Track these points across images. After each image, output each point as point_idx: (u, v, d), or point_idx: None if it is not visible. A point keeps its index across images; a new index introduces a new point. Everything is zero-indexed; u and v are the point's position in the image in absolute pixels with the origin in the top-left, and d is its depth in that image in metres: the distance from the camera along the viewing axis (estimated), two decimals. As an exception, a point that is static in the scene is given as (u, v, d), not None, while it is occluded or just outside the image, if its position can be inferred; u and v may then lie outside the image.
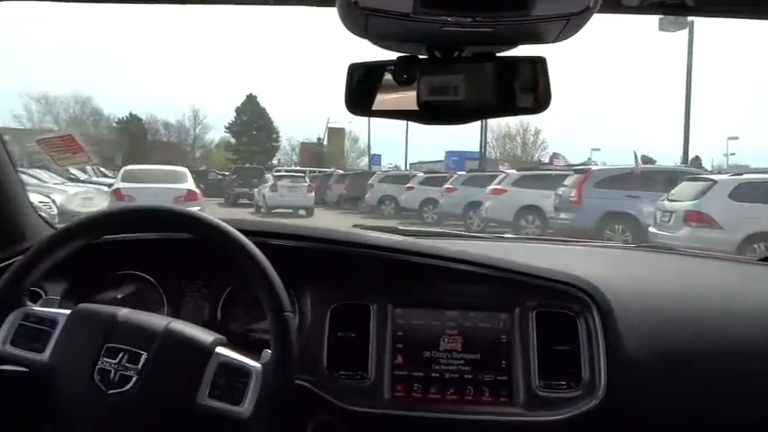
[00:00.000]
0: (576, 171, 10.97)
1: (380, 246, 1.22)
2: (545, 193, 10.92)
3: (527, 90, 0.93)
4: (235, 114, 39.34)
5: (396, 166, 28.76)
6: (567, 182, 10.45)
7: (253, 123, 39.08)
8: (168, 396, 0.88)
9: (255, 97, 39.42)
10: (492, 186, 12.30)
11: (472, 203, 12.94)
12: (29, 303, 0.96)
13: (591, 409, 1.08)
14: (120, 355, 0.88)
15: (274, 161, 36.95)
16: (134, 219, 1.01)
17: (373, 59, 0.94)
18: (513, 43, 0.88)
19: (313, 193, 17.16)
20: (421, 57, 0.91)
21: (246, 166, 26.17)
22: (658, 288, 1.29)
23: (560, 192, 10.33)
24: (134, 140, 34.61)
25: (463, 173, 16.62)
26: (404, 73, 0.92)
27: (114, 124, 36.50)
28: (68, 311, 0.94)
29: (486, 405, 1.13)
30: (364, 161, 34.92)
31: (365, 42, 0.89)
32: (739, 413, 1.15)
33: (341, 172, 22.85)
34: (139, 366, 0.87)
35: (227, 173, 25.22)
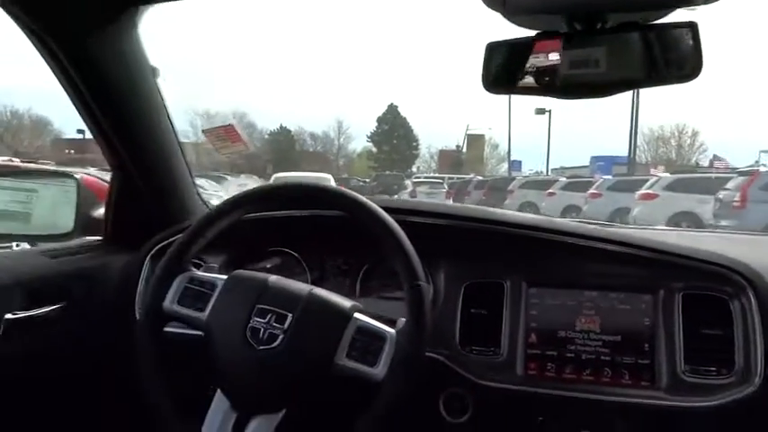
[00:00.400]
0: (741, 173, 9.99)
1: (517, 223, 1.22)
2: (702, 198, 10.05)
3: (676, 58, 0.88)
4: (376, 124, 40.66)
5: (537, 172, 27.97)
6: (729, 185, 9.52)
7: (393, 132, 40.10)
8: (310, 354, 0.95)
9: (396, 107, 40.51)
10: (642, 191, 11.54)
11: (619, 210, 12.20)
12: (192, 269, 1.08)
13: (746, 397, 1.02)
14: (269, 316, 0.97)
15: (414, 168, 37.65)
16: (284, 194, 1.10)
17: (511, 37, 0.95)
18: (662, 8, 0.85)
19: (451, 200, 17.23)
20: (561, 31, 0.90)
21: (387, 174, 27.01)
22: None
23: (721, 196, 9.44)
24: (283, 151, 37.03)
25: (609, 177, 15.78)
26: (545, 48, 0.92)
27: (266, 136, 39.19)
28: (226, 276, 1.05)
29: (625, 387, 1.10)
30: (504, 168, 34.35)
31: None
32: None
33: (480, 178, 22.68)
34: (285, 326, 0.96)
35: (368, 180, 26.08)
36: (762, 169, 10.45)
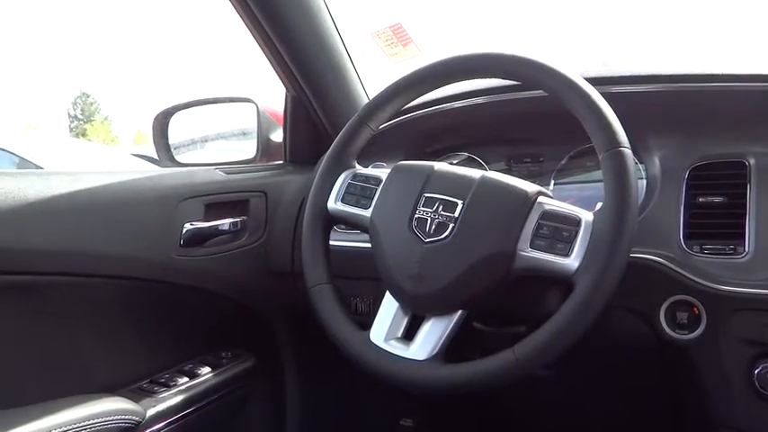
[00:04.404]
0: None
1: (761, 75, 0.91)
2: None
3: None
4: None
5: None
6: None
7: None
8: (486, 245, 0.79)
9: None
10: None
11: None
12: (357, 166, 0.98)
13: None
14: (437, 204, 0.84)
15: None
16: (452, 68, 0.93)
17: None
18: None
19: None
20: None
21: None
22: None
23: None
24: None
25: None
26: None
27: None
28: (390, 169, 0.94)
29: None
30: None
31: None
32: None
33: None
34: (456, 215, 0.82)
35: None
36: None
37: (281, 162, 1.42)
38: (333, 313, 0.89)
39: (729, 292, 0.86)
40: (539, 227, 0.78)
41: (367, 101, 1.38)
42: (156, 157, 1.54)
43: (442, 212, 0.83)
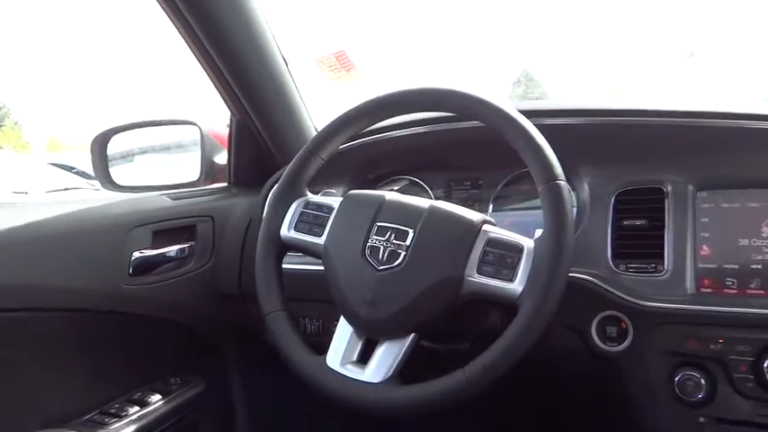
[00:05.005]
0: None
1: (677, 111, 1.01)
2: None
3: None
4: (510, 88, 39.75)
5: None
6: None
7: (527, 96, 38.88)
8: (437, 271, 0.84)
9: (528, 70, 39.24)
10: None
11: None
12: (308, 194, 1.02)
13: None
14: (389, 233, 0.88)
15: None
16: (397, 101, 0.98)
17: None
18: None
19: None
20: None
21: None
22: None
23: None
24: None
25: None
26: None
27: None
28: (342, 197, 0.98)
29: None
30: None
31: None
32: None
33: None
34: (407, 243, 0.86)
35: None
36: None
37: (225, 185, 1.43)
38: (289, 339, 0.92)
39: (652, 307, 0.95)
40: (484, 254, 0.84)
41: (311, 124, 1.42)
42: (73, 165, 1.51)
43: (393, 241, 0.88)
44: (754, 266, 0.93)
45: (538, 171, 0.84)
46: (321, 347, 0.91)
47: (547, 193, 0.82)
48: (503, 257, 0.83)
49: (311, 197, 1.01)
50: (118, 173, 1.48)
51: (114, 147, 1.47)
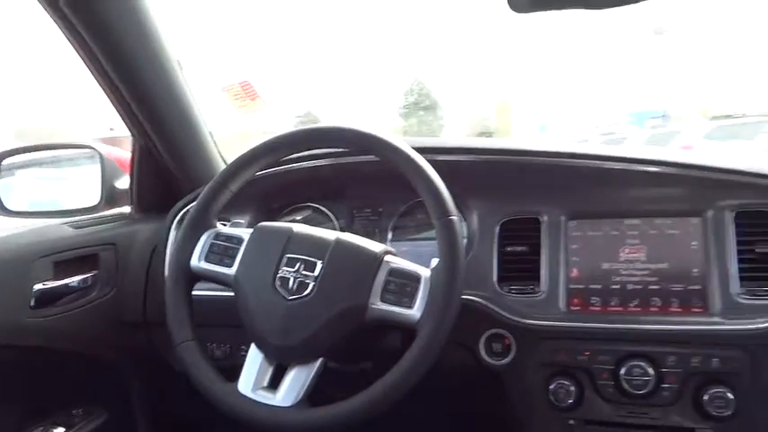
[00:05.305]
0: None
1: (551, 152, 1.16)
2: (744, 145, 9.69)
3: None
4: (403, 97, 40.48)
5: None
6: (769, 128, 9.18)
7: (419, 104, 39.82)
8: (343, 300, 0.92)
9: (420, 79, 40.18)
10: (678, 144, 11.19)
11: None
12: (218, 226, 1.06)
13: None
14: (298, 264, 0.95)
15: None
16: (308, 139, 1.05)
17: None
18: None
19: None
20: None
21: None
22: None
23: (761, 141, 9.11)
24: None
25: (646, 130, 15.32)
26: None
27: (294, 118, 39.22)
28: (251, 229, 1.03)
29: (674, 315, 1.04)
30: (532, 133, 33.75)
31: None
32: None
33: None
34: (315, 273, 0.93)
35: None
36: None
37: (127, 210, 1.42)
38: (201, 368, 0.96)
39: (531, 324, 1.08)
40: (387, 283, 0.92)
41: (215, 150, 1.45)
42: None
43: (303, 272, 0.94)
44: (613, 287, 1.09)
45: (433, 207, 0.93)
46: (229, 371, 0.96)
47: (441, 228, 0.92)
48: (403, 286, 0.91)
49: (221, 228, 1.05)
50: (5, 191, 1.42)
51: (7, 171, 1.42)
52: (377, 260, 0.94)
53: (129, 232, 1.31)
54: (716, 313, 1.01)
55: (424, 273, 0.92)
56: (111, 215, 1.38)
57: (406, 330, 0.91)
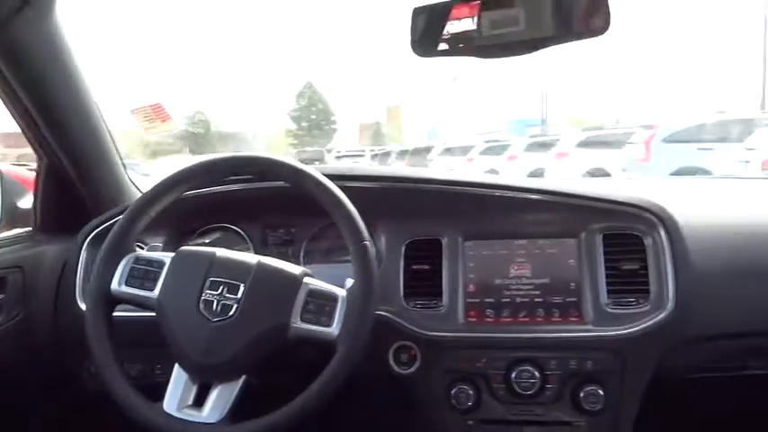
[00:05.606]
0: (644, 127, 10.56)
1: (449, 181, 1.29)
2: (611, 153, 10.58)
3: (585, 15, 0.96)
4: (295, 100, 40.14)
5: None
6: (633, 139, 10.09)
7: (311, 108, 39.69)
8: (266, 320, 0.98)
9: (312, 83, 40.11)
10: (555, 150, 12.02)
11: (536, 170, 12.63)
12: (138, 250, 1.08)
13: (660, 322, 1.14)
14: (221, 288, 0.99)
15: (334, 143, 37.43)
16: (227, 167, 1.11)
17: (434, 1, 1.01)
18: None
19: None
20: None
21: (307, 150, 26.78)
22: (721, 206, 1.37)
23: (627, 150, 10.00)
24: (198, 134, 35.99)
25: (526, 138, 16.28)
26: (466, 10, 0.97)
27: (182, 118, 37.80)
28: (173, 254, 1.06)
29: (556, 324, 1.20)
30: (422, 137, 34.74)
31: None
32: None
33: (401, 148, 22.83)
34: (239, 296, 0.99)
35: (289, 158, 25.69)
36: (661, 123, 11.02)
37: (29, 230, 1.39)
38: (125, 391, 0.98)
39: (434, 336, 1.20)
40: (306, 303, 0.99)
41: (123, 171, 1.45)
42: None
43: (226, 294, 0.99)
44: (504, 300, 1.23)
45: (348, 233, 1.02)
46: (150, 390, 0.99)
47: (357, 252, 1.01)
48: (322, 306, 0.99)
49: (141, 253, 1.08)
50: None
51: None
52: (296, 282, 1.01)
53: (35, 254, 1.29)
54: (589, 321, 1.18)
55: (341, 293, 1.00)
56: (14, 236, 1.34)
57: (325, 346, 0.99)
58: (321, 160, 19.69)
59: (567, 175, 10.90)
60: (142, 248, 1.21)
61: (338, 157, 18.33)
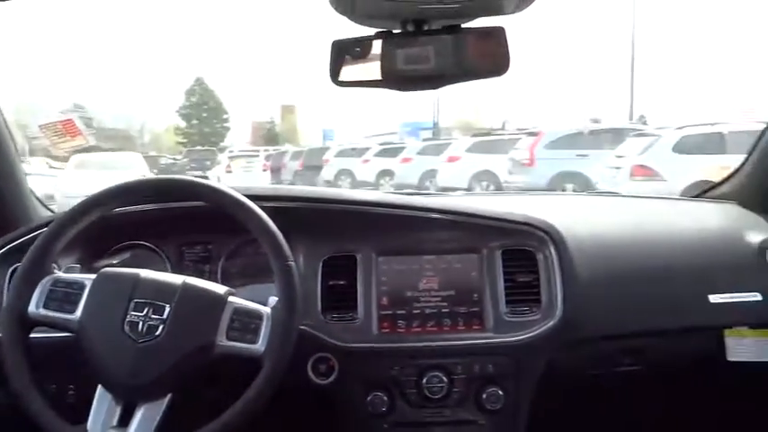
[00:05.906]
0: (528, 134, 11.24)
1: (362, 201, 1.37)
2: (498, 158, 11.15)
3: (488, 57, 1.07)
4: (184, 97, 38.61)
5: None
6: (518, 145, 10.71)
7: (202, 105, 38.34)
8: (192, 340, 1.01)
9: (203, 79, 38.74)
10: (447, 154, 12.49)
11: (428, 172, 13.06)
12: (56, 272, 1.07)
13: (551, 328, 1.28)
14: (147, 309, 1.01)
15: (226, 142, 36.44)
16: (147, 189, 1.13)
17: (352, 35, 1.08)
18: (476, 16, 1.02)
19: (269, 172, 17.07)
20: (395, 31, 1.05)
21: (198, 149, 25.95)
22: (602, 222, 1.54)
23: (513, 155, 10.60)
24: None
25: (419, 141, 16.74)
26: (383, 46, 1.06)
27: (59, 113, 35.11)
28: (94, 275, 1.06)
29: (461, 332, 1.31)
30: (317, 137, 34.65)
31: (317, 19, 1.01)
32: (662, 324, 1.40)
33: (295, 149, 22.67)
34: (164, 317, 1.00)
35: (179, 157, 24.77)
36: (544, 130, 11.77)
37: None
38: (46, 415, 0.97)
39: (350, 347, 1.27)
40: (231, 321, 1.03)
41: (28, 188, 1.41)
42: None
43: (151, 315, 1.00)
44: (414, 311, 1.32)
45: (272, 253, 1.07)
46: (68, 411, 0.99)
47: (280, 271, 1.06)
48: (247, 324, 1.03)
49: (60, 275, 1.07)
50: None
51: None
52: (221, 301, 1.04)
53: None
54: (490, 329, 1.30)
55: (266, 311, 1.05)
56: None
57: (249, 362, 1.03)
58: (213, 161, 19.12)
59: (458, 176, 11.39)
60: (57, 269, 1.18)
61: (231, 157, 17.85)
